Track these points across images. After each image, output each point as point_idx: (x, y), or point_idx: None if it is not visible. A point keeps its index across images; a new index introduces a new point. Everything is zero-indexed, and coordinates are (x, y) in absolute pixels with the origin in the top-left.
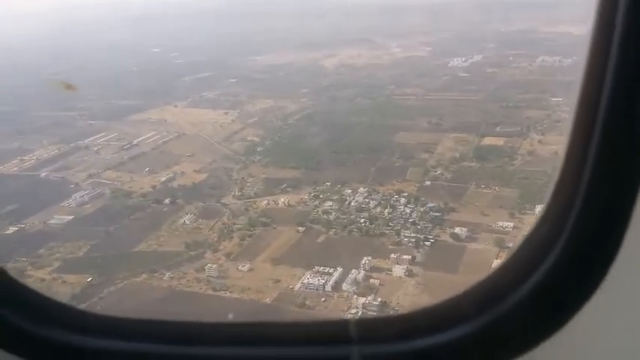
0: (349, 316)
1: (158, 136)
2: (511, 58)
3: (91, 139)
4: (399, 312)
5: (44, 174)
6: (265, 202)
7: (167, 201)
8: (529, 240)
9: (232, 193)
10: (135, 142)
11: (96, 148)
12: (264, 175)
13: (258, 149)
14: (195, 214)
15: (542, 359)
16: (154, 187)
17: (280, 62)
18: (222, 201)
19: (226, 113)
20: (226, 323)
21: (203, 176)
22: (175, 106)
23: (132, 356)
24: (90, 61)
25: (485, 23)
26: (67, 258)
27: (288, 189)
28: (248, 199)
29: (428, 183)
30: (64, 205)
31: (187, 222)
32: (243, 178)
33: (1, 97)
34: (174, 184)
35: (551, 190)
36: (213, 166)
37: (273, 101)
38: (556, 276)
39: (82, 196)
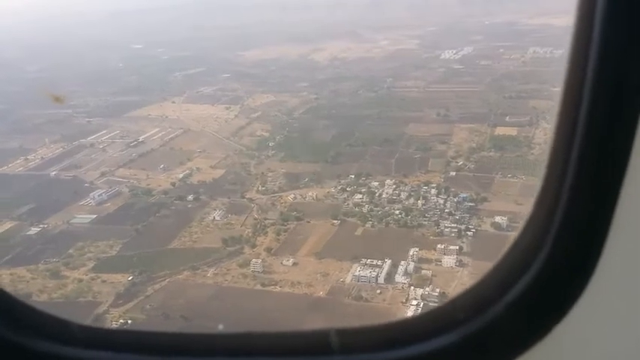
0: (411, 308)
1: (163, 133)
2: (501, 50)
3: (94, 136)
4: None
5: (54, 173)
6: (292, 196)
7: (190, 197)
8: (513, 248)
9: (255, 188)
10: (141, 139)
11: (102, 146)
12: (283, 170)
13: (270, 144)
14: (223, 210)
15: None
16: (173, 184)
17: (270, 57)
18: (247, 196)
19: (228, 108)
20: (209, 334)
21: (220, 172)
22: (173, 102)
23: None
24: (73, 57)
25: (468, 16)
26: (100, 257)
27: (311, 183)
28: (273, 193)
29: (453, 174)
30: (83, 204)
31: (217, 218)
32: (262, 173)
33: None
34: (193, 180)
35: (535, 198)
36: (228, 162)
37: (273, 96)
38: (540, 283)
39: (101, 195)
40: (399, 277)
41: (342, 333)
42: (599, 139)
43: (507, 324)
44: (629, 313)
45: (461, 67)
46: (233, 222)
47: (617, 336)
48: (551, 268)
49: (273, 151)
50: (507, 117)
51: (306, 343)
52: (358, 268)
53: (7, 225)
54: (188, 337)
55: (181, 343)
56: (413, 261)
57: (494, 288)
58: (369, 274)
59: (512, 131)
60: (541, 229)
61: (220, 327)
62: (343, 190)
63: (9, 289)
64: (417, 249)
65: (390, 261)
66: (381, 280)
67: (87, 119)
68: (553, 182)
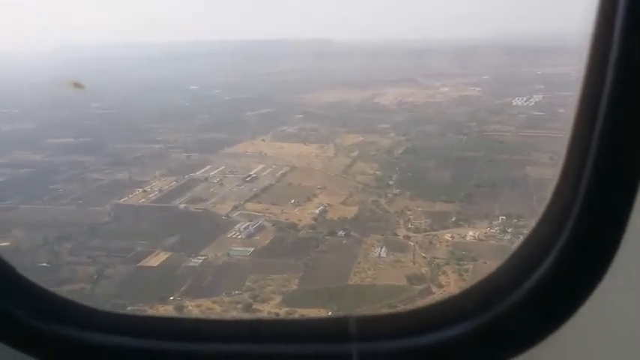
0: None
1: (270, 169)
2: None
3: (202, 171)
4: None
5: (183, 206)
6: (449, 235)
7: (341, 233)
8: (529, 240)
9: (404, 227)
10: (252, 174)
11: (216, 180)
12: (420, 209)
13: (390, 182)
14: (384, 247)
15: (541, 358)
16: (314, 219)
17: (334, 100)
18: (400, 234)
19: (322, 147)
20: (228, 320)
21: (354, 209)
22: (263, 140)
23: (137, 352)
24: (131, 97)
25: (515, 66)
26: (283, 291)
27: (460, 222)
28: (425, 232)
29: None
30: (231, 237)
31: (383, 255)
32: (401, 211)
33: (68, 128)
34: (332, 216)
35: (552, 191)
36: (356, 199)
37: (361, 136)
38: (555, 275)
39: (247, 228)
40: None
41: (361, 320)
42: (618, 131)
43: (524, 313)
44: None
45: (541, 113)
46: (402, 260)
47: (633, 327)
48: (567, 260)
49: (397, 190)
50: None
51: (325, 329)
52: None
53: (163, 256)
54: (208, 322)
55: (201, 329)
56: None
57: (512, 277)
58: None
59: None
60: (558, 221)
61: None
62: (503, 231)
63: None
64: None
65: None
66: None
67: (185, 154)
68: (571, 175)
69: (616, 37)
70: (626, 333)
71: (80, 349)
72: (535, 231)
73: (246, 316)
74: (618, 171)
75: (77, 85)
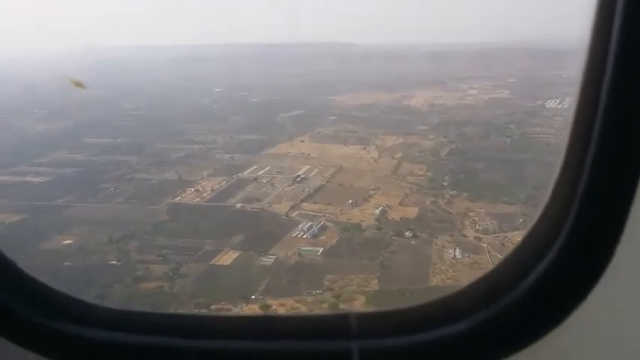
0: None
1: (317, 170)
2: None
3: (249, 171)
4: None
5: (239, 205)
6: (520, 236)
7: (408, 234)
8: (528, 238)
9: (471, 228)
10: (301, 174)
11: (265, 180)
12: (482, 210)
13: (444, 184)
14: (458, 249)
15: (541, 355)
16: (377, 220)
17: (364, 102)
18: (468, 235)
19: (364, 148)
20: (228, 317)
21: (414, 209)
22: (302, 141)
23: (137, 348)
24: (158, 98)
25: (539, 69)
26: (365, 291)
27: (528, 224)
28: (494, 233)
29: None
30: (296, 237)
31: (458, 256)
32: (464, 213)
33: (102, 129)
34: (394, 216)
35: (551, 189)
36: (413, 200)
37: (401, 138)
38: (555, 273)
39: (311, 228)
40: None
41: (361, 317)
42: (617, 130)
43: (523, 311)
44: None
45: None
46: (478, 261)
47: (632, 325)
48: (565, 259)
49: (453, 191)
50: None
51: (325, 326)
52: None
53: (233, 255)
54: (208, 319)
55: (202, 325)
56: None
57: (511, 275)
58: None
59: None
60: (557, 219)
61: None
62: None
63: None
64: None
65: None
66: None
67: (227, 155)
68: (570, 172)
69: (614, 36)
70: (626, 331)
71: (80, 344)
72: (534, 229)
73: None
74: (617, 170)
75: (78, 84)
